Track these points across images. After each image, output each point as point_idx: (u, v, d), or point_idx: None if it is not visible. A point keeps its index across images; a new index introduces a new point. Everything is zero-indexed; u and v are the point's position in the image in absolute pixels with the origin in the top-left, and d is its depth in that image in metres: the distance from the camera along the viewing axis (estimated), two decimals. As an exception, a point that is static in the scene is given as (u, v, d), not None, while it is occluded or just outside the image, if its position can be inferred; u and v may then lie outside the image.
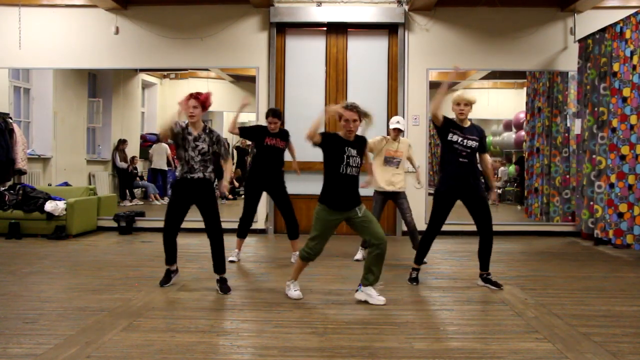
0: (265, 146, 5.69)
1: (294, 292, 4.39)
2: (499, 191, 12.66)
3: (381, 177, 5.79)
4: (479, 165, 4.82)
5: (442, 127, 4.66)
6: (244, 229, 5.89)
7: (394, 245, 7.18)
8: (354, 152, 4.16)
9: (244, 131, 5.92)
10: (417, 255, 5.00)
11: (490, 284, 4.77)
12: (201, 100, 4.46)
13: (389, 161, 5.83)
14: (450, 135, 4.64)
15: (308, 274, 5.36)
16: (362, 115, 4.13)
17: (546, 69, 8.30)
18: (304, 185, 7.51)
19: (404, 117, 8.00)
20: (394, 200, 5.88)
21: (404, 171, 5.93)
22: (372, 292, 4.26)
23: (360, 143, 4.25)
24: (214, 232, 4.57)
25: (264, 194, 6.02)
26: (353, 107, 4.12)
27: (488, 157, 4.89)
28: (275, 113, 5.76)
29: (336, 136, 4.18)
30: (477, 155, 4.77)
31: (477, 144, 4.66)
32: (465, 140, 4.63)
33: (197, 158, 4.49)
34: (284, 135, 5.81)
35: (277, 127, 5.72)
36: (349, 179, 4.17)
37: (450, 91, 12.45)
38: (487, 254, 4.79)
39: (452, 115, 4.77)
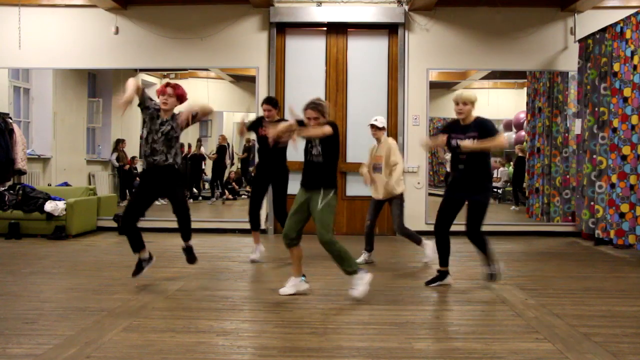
0: (260, 137, 5.73)
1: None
2: (499, 191, 12.66)
3: (374, 185, 5.77)
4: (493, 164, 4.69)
5: (448, 140, 4.62)
6: (255, 220, 5.88)
7: (394, 246, 7.19)
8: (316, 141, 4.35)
9: (249, 126, 5.91)
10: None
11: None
12: (177, 92, 4.61)
13: (375, 168, 5.75)
14: (452, 141, 4.58)
15: (308, 273, 5.35)
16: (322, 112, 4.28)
17: (546, 69, 8.30)
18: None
19: (404, 117, 8.00)
20: (389, 202, 5.82)
21: (390, 175, 5.65)
22: (354, 281, 4.29)
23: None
24: (181, 210, 4.63)
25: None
26: (313, 106, 4.28)
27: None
28: (269, 100, 5.74)
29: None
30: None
31: (476, 138, 4.47)
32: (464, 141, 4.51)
33: (160, 139, 4.54)
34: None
35: (271, 115, 5.68)
36: (312, 164, 4.39)
37: (450, 91, 12.51)
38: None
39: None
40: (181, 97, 4.64)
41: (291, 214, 4.42)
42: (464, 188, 4.60)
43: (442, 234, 4.75)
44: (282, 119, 5.70)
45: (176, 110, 4.68)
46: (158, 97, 4.62)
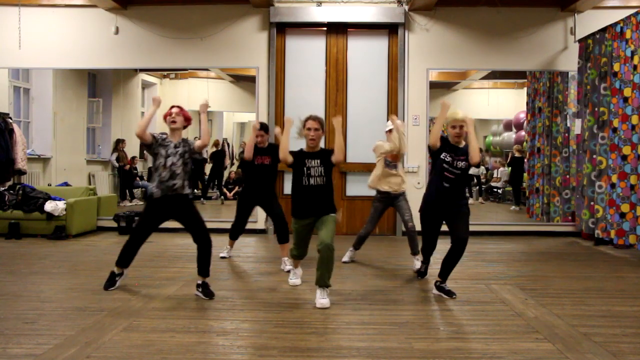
0: (255, 165, 5.69)
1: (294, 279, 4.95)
2: (499, 191, 12.66)
3: (384, 180, 5.77)
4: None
5: (438, 150, 4.51)
6: (235, 233, 6.07)
7: (394, 246, 7.19)
8: (315, 162, 4.35)
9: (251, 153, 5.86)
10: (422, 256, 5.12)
11: (444, 292, 4.53)
12: (184, 112, 4.58)
13: (388, 164, 5.78)
14: (443, 154, 4.48)
15: (309, 273, 5.35)
16: (323, 125, 4.41)
17: (546, 69, 8.29)
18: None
19: (404, 117, 8.00)
20: (394, 203, 5.82)
21: (403, 172, 5.83)
22: (317, 292, 4.23)
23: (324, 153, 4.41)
24: (204, 238, 4.49)
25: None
26: (315, 116, 4.40)
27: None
28: (262, 126, 5.72)
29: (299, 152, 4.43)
30: (467, 175, 4.58)
31: (466, 163, 4.44)
32: (455, 162, 4.44)
33: (179, 162, 4.44)
34: (270, 150, 5.72)
35: (264, 140, 5.69)
36: (313, 189, 4.36)
37: (450, 91, 12.50)
38: (452, 265, 4.54)
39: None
40: (185, 115, 4.57)
41: (298, 244, 4.60)
42: (449, 202, 4.51)
43: (429, 255, 5.03)
44: (273, 145, 5.70)
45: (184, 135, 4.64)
46: (165, 120, 4.53)
